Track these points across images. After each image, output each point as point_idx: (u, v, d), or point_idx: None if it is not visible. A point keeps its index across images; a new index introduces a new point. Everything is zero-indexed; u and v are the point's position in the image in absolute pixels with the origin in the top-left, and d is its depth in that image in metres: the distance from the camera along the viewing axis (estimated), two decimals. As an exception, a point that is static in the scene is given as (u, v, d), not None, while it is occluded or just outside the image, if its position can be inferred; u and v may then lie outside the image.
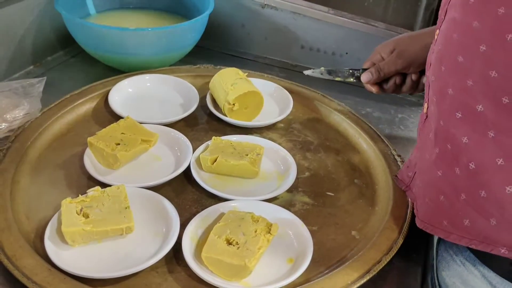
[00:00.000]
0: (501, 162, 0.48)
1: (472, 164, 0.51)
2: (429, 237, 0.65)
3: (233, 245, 0.56)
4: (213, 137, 0.74)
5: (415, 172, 0.64)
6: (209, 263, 0.55)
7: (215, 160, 0.69)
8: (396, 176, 0.71)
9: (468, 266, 0.55)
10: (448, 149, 0.53)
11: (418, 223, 0.59)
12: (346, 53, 1.04)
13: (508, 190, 0.48)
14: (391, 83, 0.79)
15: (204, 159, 0.70)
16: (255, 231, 0.57)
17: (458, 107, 0.52)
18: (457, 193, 0.53)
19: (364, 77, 0.78)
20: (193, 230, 0.60)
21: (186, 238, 0.58)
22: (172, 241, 0.58)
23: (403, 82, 0.79)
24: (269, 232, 0.58)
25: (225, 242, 0.56)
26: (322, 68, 0.82)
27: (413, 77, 0.77)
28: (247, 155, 0.70)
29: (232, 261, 0.53)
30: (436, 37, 0.57)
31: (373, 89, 0.79)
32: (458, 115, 0.52)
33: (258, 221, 0.59)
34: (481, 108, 0.49)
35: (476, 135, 0.50)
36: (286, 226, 0.62)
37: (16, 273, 0.53)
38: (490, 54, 0.47)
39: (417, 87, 0.79)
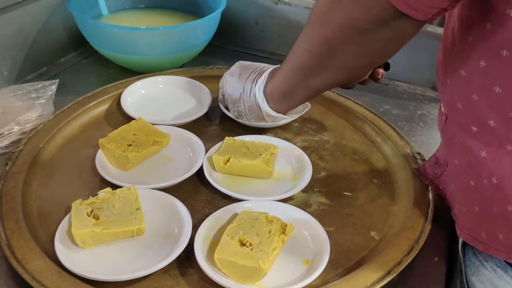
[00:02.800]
0: None
1: (494, 179, 0.49)
2: (454, 239, 0.63)
3: (247, 246, 0.54)
4: (226, 137, 0.72)
5: (444, 170, 0.62)
6: (222, 265, 0.53)
7: (228, 160, 0.68)
8: (418, 169, 0.68)
9: (499, 272, 0.53)
10: (471, 160, 0.51)
11: (459, 233, 0.57)
12: (362, 49, 1.01)
13: None
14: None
15: (217, 159, 0.68)
16: (269, 232, 0.55)
17: (472, 121, 0.50)
18: (489, 205, 0.51)
19: None
20: (205, 232, 0.58)
21: (199, 239, 0.57)
22: (184, 243, 0.56)
23: None
24: (284, 233, 0.56)
25: (239, 243, 0.54)
26: None
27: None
28: (261, 154, 0.68)
29: (245, 263, 0.52)
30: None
31: None
32: (474, 129, 0.50)
33: (272, 221, 0.57)
34: (492, 123, 0.47)
35: (493, 149, 0.48)
36: (301, 227, 0.60)
37: (26, 276, 0.52)
38: (489, 69, 0.46)
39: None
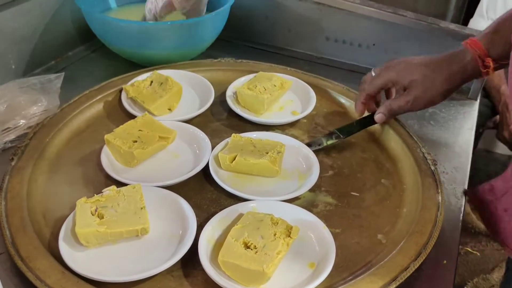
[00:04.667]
0: None
1: None
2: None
3: (251, 249, 0.53)
4: (233, 134, 0.72)
5: (496, 198, 0.62)
6: (226, 267, 0.53)
7: (234, 159, 0.67)
8: (468, 191, 0.68)
9: None
10: None
11: None
12: (374, 44, 1.00)
13: None
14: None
15: (223, 158, 0.67)
16: (274, 235, 0.54)
17: None
18: None
19: (378, 119, 0.76)
20: (210, 232, 0.57)
21: (203, 240, 0.56)
22: (188, 243, 0.56)
23: None
24: (289, 236, 0.55)
25: (243, 245, 0.53)
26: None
27: None
28: (267, 153, 0.67)
29: (249, 266, 0.51)
30: None
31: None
32: None
33: (277, 223, 0.56)
34: None
35: None
36: (307, 229, 0.59)
37: (29, 275, 0.52)
38: None
39: None
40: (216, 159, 0.69)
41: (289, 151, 0.72)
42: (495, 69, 0.68)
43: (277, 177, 0.68)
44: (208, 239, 0.57)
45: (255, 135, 0.73)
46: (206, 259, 0.54)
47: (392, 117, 0.77)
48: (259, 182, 0.68)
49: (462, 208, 0.68)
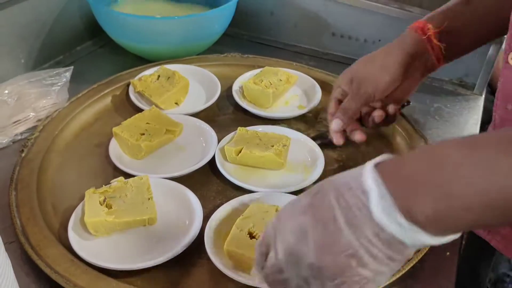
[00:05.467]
0: None
1: None
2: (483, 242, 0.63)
3: (256, 239, 0.54)
4: (239, 128, 0.72)
5: None
6: (231, 256, 0.54)
7: (240, 151, 0.68)
8: None
9: None
10: None
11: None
12: (379, 40, 1.00)
13: None
14: (370, 121, 0.71)
15: (229, 150, 0.68)
16: (279, 225, 0.55)
17: None
18: None
19: (335, 125, 0.68)
20: (216, 223, 0.58)
21: (209, 230, 0.57)
22: (194, 233, 0.57)
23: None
24: (294, 227, 0.56)
25: (248, 235, 0.54)
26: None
27: (390, 109, 0.70)
28: (273, 146, 0.68)
29: (254, 255, 0.52)
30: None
31: (357, 136, 0.70)
32: None
33: (282, 214, 0.57)
34: None
35: None
36: (312, 220, 0.59)
37: (39, 262, 0.53)
38: None
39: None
40: (222, 151, 0.70)
41: (295, 144, 0.72)
42: (437, 34, 0.65)
43: (283, 170, 0.69)
44: (214, 230, 0.58)
45: (261, 129, 0.74)
46: (212, 249, 0.55)
47: (349, 118, 0.68)
48: (264, 174, 0.69)
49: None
